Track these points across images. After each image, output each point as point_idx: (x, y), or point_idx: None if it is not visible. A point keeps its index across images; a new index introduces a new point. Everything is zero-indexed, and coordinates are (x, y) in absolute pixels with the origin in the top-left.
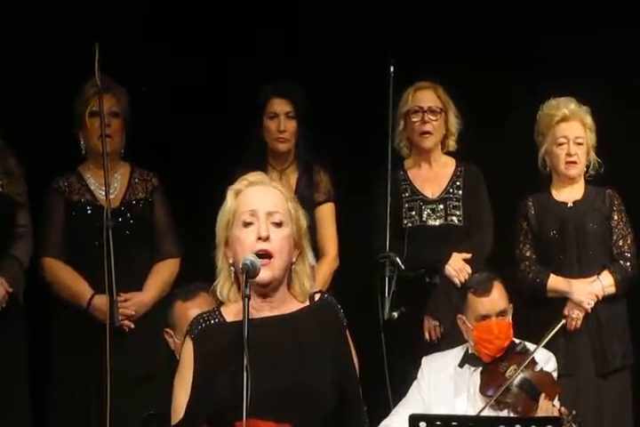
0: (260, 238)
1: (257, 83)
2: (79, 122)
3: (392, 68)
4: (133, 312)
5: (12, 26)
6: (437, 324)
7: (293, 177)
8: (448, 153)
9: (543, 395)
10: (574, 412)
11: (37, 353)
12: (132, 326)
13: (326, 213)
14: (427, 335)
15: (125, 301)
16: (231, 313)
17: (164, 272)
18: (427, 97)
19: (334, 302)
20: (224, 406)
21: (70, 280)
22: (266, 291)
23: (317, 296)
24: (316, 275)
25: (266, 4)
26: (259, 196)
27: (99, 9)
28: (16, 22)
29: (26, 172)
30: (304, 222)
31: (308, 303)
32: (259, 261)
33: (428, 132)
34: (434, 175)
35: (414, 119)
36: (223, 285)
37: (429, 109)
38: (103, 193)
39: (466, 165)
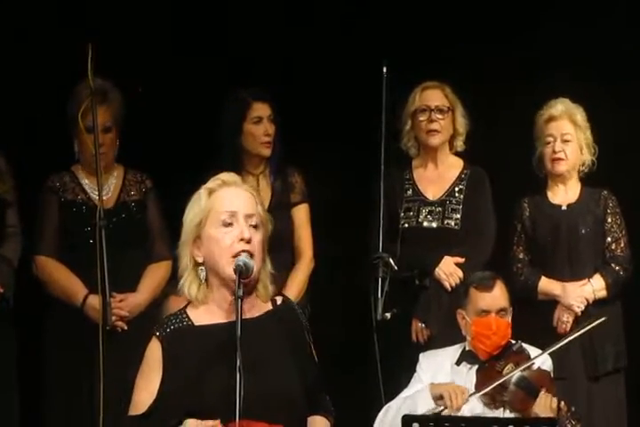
0: (242, 240)
1: (252, 84)
2: (74, 131)
3: (385, 70)
4: (127, 313)
5: (7, 25)
6: (424, 326)
7: (269, 180)
8: (457, 154)
9: (544, 390)
10: (573, 408)
11: (29, 354)
12: (125, 327)
13: (302, 214)
14: (414, 337)
15: (120, 301)
16: (199, 316)
17: (157, 274)
18: (434, 96)
19: (295, 304)
20: (211, 410)
21: (64, 279)
22: (247, 292)
23: (279, 299)
24: (295, 276)
25: (262, 5)
26: (236, 197)
27: (94, 9)
28: (11, 22)
29: (18, 171)
30: (269, 227)
31: (271, 306)
32: (252, 262)
33: (435, 131)
34: (438, 177)
35: (421, 118)
36: (191, 284)
37: (436, 108)
38: (97, 193)
39: (472, 168)
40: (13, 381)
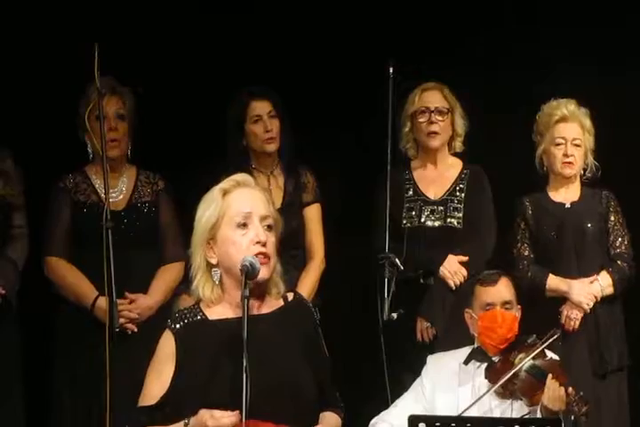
0: (258, 242)
1: (256, 83)
2: (83, 125)
3: (391, 70)
4: (137, 315)
5: (14, 26)
6: (429, 325)
7: (281, 180)
8: (455, 154)
9: (550, 375)
10: (582, 393)
11: (37, 355)
12: (135, 329)
13: (314, 214)
14: (419, 336)
15: (130, 302)
16: (213, 311)
17: (169, 276)
18: (433, 97)
19: (306, 300)
20: (223, 403)
21: (75, 281)
22: (260, 290)
23: (291, 296)
24: (306, 277)
25: (264, 4)
26: (250, 198)
27: (99, 9)
28: (18, 23)
29: (28, 173)
30: (280, 227)
31: (282, 303)
32: (258, 263)
33: (435, 133)
34: (438, 177)
35: (421, 120)
36: (204, 286)
37: (436, 110)
38: (109, 194)
39: (472, 168)
40: (18, 382)
